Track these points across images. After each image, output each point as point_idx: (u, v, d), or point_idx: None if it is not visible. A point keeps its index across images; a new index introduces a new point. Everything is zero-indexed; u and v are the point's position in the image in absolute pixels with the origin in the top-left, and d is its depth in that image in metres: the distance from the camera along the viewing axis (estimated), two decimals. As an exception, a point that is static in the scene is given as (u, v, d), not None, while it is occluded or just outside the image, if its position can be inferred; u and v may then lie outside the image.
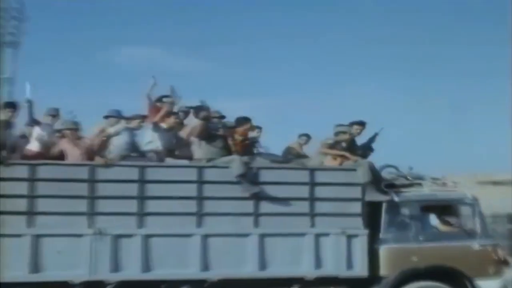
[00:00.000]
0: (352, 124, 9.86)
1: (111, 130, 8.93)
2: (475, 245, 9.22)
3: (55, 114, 9.39)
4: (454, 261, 9.01)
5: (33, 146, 8.80)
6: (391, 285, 8.82)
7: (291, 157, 9.94)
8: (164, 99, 9.75)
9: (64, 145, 8.78)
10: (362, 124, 9.96)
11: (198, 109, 9.47)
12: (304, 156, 10.34)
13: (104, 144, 8.80)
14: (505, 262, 9.43)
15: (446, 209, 9.52)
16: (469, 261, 9.09)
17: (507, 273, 9.39)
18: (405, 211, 9.16)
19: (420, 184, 9.65)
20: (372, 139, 10.33)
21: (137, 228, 8.14)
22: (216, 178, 8.47)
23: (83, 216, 8.03)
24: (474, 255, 9.18)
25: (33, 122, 9.26)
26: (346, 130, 9.65)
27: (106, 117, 9.21)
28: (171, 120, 9.37)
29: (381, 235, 9.00)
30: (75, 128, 8.83)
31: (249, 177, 8.49)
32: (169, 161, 8.90)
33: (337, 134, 9.63)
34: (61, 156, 8.68)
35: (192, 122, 9.77)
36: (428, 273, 8.91)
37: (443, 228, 9.42)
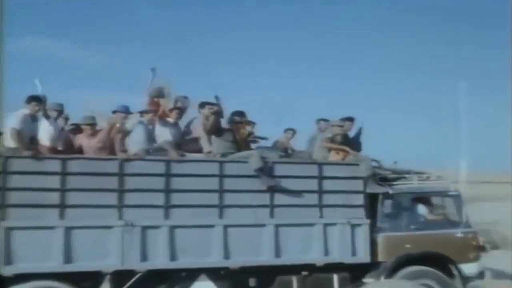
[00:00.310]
0: (343, 120, 10.55)
1: (127, 126, 9.17)
2: (458, 232, 10.18)
3: (59, 109, 9.51)
4: (441, 247, 9.90)
5: (43, 140, 8.95)
6: (389, 270, 9.58)
7: (281, 150, 10.56)
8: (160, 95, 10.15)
9: (81, 139, 9.01)
10: (351, 119, 10.69)
11: (204, 104, 9.86)
12: (292, 150, 10.98)
13: (122, 139, 9.03)
14: (483, 248, 10.45)
15: (426, 199, 10.42)
16: (454, 247, 10.00)
17: (484, 258, 10.43)
18: (398, 202, 9.96)
19: (406, 178, 10.49)
20: (358, 134, 11.10)
21: (164, 219, 8.51)
22: (236, 172, 8.93)
23: (113, 209, 8.31)
24: (457, 241, 10.10)
25: (45, 117, 9.34)
26: (341, 124, 10.34)
27: (114, 112, 9.44)
28: (174, 114, 9.72)
29: (378, 224, 9.76)
30: (93, 124, 9.05)
31: (266, 171, 9.03)
32: (191, 155, 9.23)
33: (331, 127, 10.30)
34: (79, 150, 8.91)
35: (197, 116, 10.14)
36: (420, 259, 9.78)
37: (430, 217, 10.30)
